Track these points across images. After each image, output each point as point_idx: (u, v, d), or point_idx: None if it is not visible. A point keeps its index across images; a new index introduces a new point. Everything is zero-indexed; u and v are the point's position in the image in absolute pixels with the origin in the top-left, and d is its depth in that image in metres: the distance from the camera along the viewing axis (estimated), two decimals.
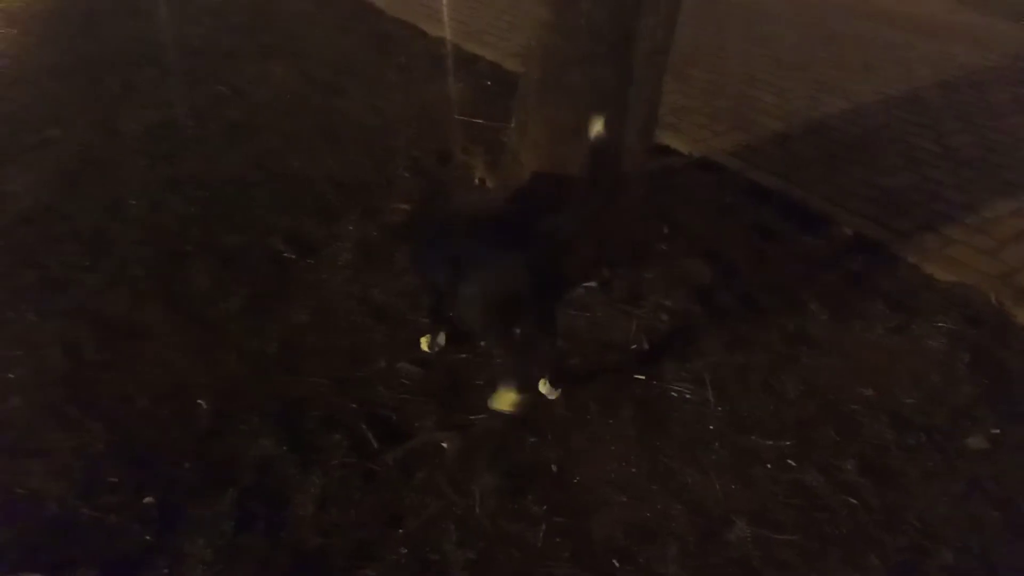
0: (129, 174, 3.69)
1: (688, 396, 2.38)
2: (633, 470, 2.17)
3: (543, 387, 2.37)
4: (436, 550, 1.93)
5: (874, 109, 4.39)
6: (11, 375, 2.45)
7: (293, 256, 3.02)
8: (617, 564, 1.92)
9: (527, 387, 2.23)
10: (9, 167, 3.79)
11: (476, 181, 3.18)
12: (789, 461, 2.20)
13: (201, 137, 4.09)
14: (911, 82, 4.82)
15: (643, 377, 2.45)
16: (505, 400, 2.22)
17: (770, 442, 2.25)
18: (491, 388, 2.38)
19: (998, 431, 2.36)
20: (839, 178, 3.68)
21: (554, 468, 2.16)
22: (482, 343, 2.51)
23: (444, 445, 2.21)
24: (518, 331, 2.18)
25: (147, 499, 2.02)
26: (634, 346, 2.55)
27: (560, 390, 2.38)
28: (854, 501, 2.11)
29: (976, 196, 3.53)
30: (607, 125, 2.53)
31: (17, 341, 2.60)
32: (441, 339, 2.53)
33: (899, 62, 5.16)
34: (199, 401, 2.35)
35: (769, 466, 2.20)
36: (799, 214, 3.37)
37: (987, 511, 2.12)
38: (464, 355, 2.47)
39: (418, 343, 2.53)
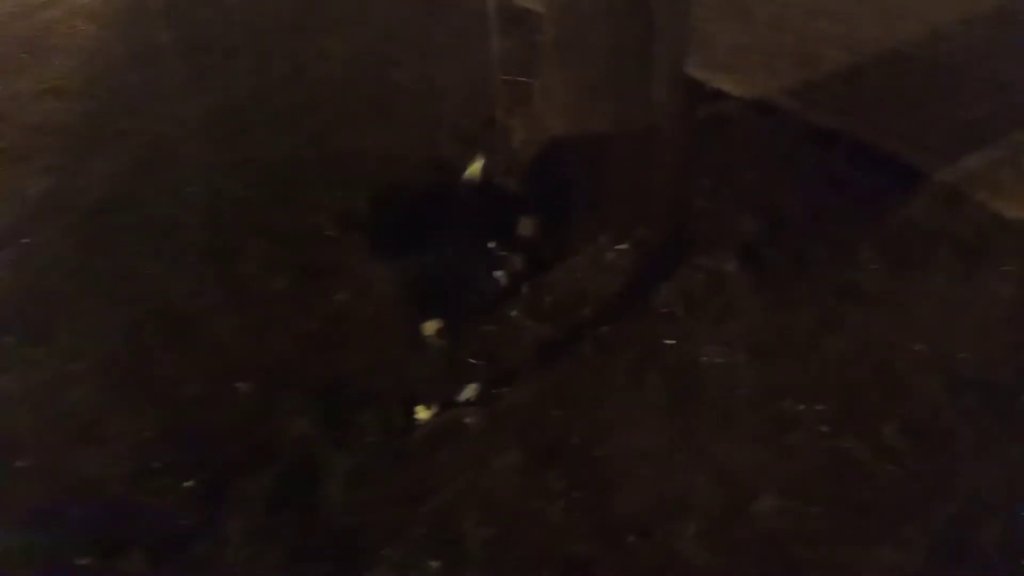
0: (195, 161, 3.85)
1: (720, 361, 2.30)
2: (660, 441, 2.13)
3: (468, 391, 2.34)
4: (456, 529, 1.97)
5: (955, 32, 3.99)
6: (76, 365, 2.64)
7: (338, 236, 3.08)
8: (634, 540, 1.90)
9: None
10: (87, 159, 4.02)
11: (516, 143, 3.13)
12: (824, 427, 2.10)
13: (262, 119, 4.19)
14: None
15: (674, 342, 2.38)
16: (422, 413, 2.29)
17: (803, 407, 2.15)
18: (523, 363, 2.38)
19: None
20: (913, 113, 3.40)
21: (576, 441, 2.15)
22: None
23: (467, 421, 2.23)
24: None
25: (187, 483, 2.15)
26: (665, 310, 2.47)
27: (477, 387, 2.33)
28: (896, 468, 2.00)
29: None
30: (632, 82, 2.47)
31: (85, 332, 2.79)
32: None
33: None
34: (243, 383, 2.47)
35: (805, 432, 2.11)
36: (862, 157, 3.13)
37: None
38: (492, 328, 2.48)
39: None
